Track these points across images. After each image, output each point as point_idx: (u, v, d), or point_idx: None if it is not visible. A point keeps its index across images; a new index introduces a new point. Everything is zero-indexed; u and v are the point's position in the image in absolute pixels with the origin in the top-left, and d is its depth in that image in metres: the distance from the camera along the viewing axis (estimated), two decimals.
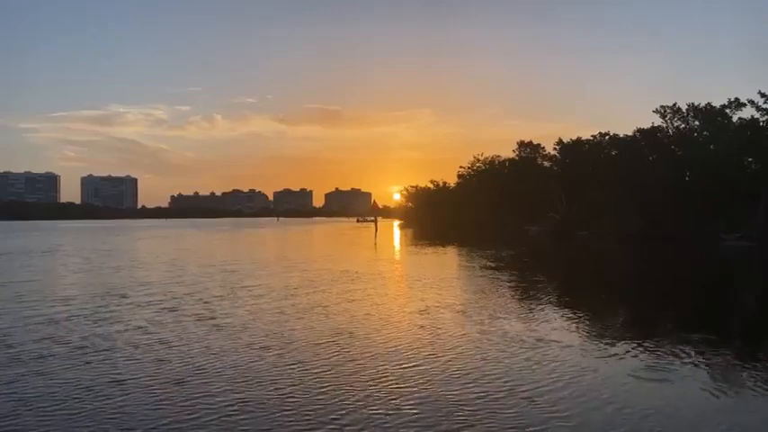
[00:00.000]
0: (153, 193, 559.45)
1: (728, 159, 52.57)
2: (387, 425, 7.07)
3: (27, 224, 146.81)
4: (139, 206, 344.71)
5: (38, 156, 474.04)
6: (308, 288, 19.81)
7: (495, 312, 14.92)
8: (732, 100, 58.33)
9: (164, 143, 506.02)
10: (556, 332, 12.53)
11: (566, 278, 27.12)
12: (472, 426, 7.06)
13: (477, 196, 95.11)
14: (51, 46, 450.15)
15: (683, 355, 10.50)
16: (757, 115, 54.81)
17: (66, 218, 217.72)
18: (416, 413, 7.45)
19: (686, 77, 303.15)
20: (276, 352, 10.57)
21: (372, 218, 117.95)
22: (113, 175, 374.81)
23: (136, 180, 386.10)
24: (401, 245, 55.50)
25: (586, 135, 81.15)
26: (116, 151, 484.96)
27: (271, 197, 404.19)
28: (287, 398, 8.03)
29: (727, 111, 58.61)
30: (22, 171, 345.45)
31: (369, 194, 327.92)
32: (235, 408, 7.59)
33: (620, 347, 11.05)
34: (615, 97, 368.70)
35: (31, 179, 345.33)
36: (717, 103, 59.91)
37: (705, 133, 60.17)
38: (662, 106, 63.59)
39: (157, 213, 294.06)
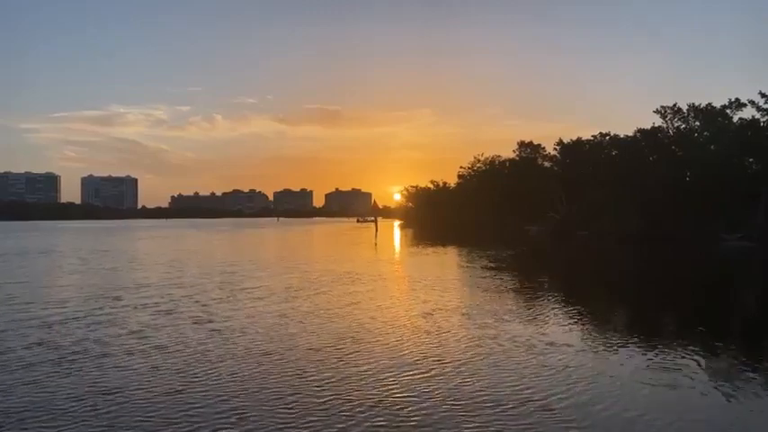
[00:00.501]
0: (153, 193, 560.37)
1: (729, 160, 52.53)
2: None
3: (27, 224, 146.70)
4: (140, 206, 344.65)
5: (38, 156, 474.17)
6: (309, 290, 19.50)
7: (501, 315, 14.60)
8: (732, 100, 58.33)
9: (164, 143, 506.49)
10: (565, 335, 12.25)
11: (567, 279, 26.89)
12: None
13: (477, 196, 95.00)
14: (51, 46, 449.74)
15: (698, 359, 10.20)
16: (758, 116, 54.82)
17: (66, 218, 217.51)
18: (426, 424, 7.10)
19: (686, 77, 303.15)
20: (276, 359, 10.20)
21: (372, 218, 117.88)
22: (114, 175, 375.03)
23: (136, 180, 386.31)
24: (401, 245, 55.30)
25: (586, 135, 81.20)
26: (116, 151, 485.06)
27: (271, 197, 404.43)
28: (288, 410, 7.64)
29: (728, 111, 58.58)
30: (22, 171, 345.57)
31: (369, 195, 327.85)
32: (231, 420, 7.24)
33: (631, 351, 10.75)
34: (615, 97, 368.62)
35: (31, 179, 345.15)
36: (717, 104, 59.95)
37: (705, 134, 60.11)
38: (662, 106, 63.57)
39: (158, 213, 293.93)
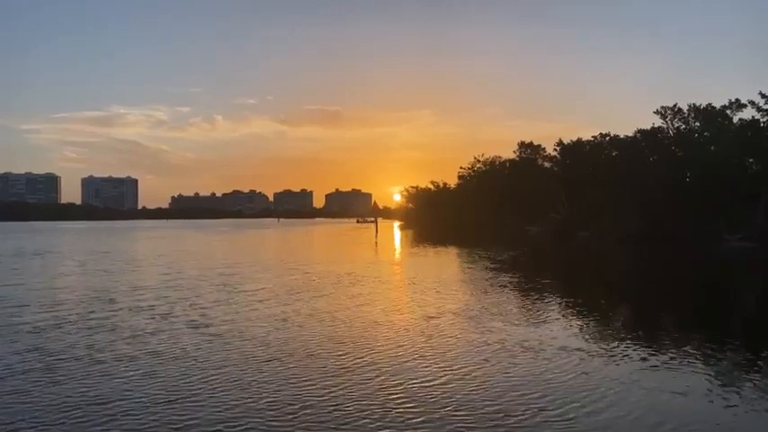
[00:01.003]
0: (153, 193, 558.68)
1: (729, 160, 52.44)
2: None
3: (27, 225, 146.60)
4: (140, 207, 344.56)
5: (38, 157, 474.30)
6: (310, 292, 19.22)
7: (506, 319, 14.32)
8: (733, 101, 58.20)
9: (164, 144, 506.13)
10: (572, 339, 11.97)
11: (569, 280, 26.66)
12: None
13: (477, 197, 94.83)
14: (51, 46, 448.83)
15: (706, 361, 9.99)
16: (758, 116, 54.63)
17: (66, 219, 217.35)
18: None
19: (686, 77, 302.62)
20: (277, 366, 9.85)
21: (372, 219, 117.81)
22: (114, 176, 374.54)
23: (136, 181, 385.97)
24: (402, 246, 55.12)
25: (587, 135, 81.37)
26: (117, 152, 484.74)
27: (271, 198, 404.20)
28: (288, 423, 7.30)
29: (728, 111, 58.45)
30: (22, 172, 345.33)
31: (369, 195, 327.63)
32: None
33: (639, 354, 10.45)
34: (615, 97, 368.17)
35: (31, 180, 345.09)
36: (717, 104, 59.79)
37: (706, 134, 59.99)
38: (663, 107, 63.44)
39: (158, 214, 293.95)
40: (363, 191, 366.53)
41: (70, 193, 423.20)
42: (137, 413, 7.55)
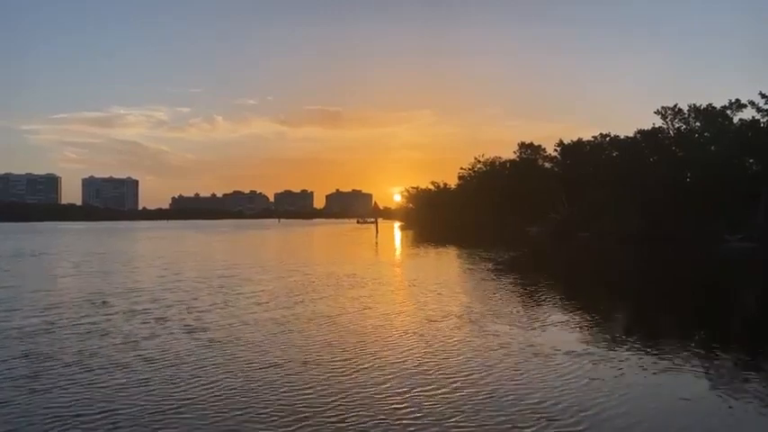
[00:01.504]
0: (154, 194, 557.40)
1: (729, 160, 52.42)
2: None
3: (27, 226, 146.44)
4: (140, 207, 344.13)
5: (39, 157, 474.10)
6: (310, 294, 18.89)
7: (508, 321, 14.04)
8: (733, 101, 58.23)
9: (164, 145, 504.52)
10: (579, 343, 11.69)
11: (570, 281, 26.46)
12: None
13: (477, 197, 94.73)
14: (51, 46, 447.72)
15: (710, 363, 9.80)
16: (758, 116, 54.63)
17: (66, 219, 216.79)
18: None
19: (686, 77, 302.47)
20: (275, 373, 9.52)
21: (373, 219, 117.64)
22: (114, 176, 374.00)
23: (137, 181, 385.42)
24: (402, 246, 54.87)
25: (587, 135, 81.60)
26: (117, 153, 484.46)
27: (272, 198, 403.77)
28: None
29: (728, 112, 58.45)
30: (22, 172, 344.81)
31: (369, 196, 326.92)
32: None
33: (655, 359, 10.14)
34: (615, 97, 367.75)
35: (31, 180, 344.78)
36: (717, 104, 59.80)
37: (706, 134, 59.97)
38: (663, 107, 63.48)
39: (158, 215, 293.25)
40: (364, 191, 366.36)
41: (70, 193, 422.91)
42: (125, 425, 7.21)
